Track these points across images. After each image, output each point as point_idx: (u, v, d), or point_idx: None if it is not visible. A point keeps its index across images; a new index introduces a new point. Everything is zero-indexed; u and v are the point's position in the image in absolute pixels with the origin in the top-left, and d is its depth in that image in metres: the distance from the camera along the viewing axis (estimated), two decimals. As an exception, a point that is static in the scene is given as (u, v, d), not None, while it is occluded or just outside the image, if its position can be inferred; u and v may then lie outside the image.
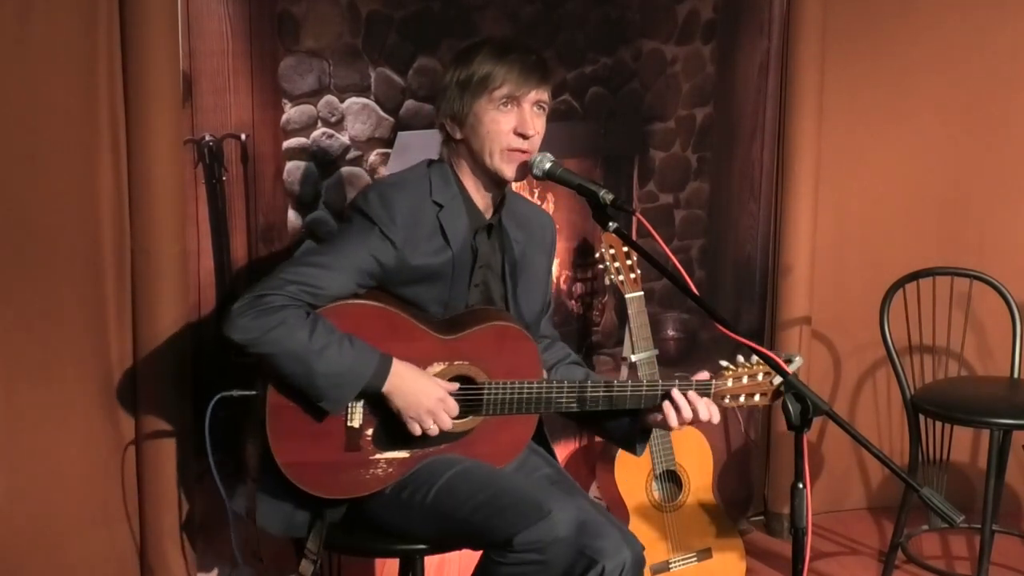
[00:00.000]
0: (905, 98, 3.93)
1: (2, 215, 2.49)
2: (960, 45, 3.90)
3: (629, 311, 3.22)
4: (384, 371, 2.30)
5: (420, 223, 2.39)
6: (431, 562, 2.80)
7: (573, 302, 3.53)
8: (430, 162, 2.51)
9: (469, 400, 2.39)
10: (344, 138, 2.98)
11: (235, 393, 2.37)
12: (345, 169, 2.99)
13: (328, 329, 2.27)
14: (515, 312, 2.53)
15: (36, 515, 2.62)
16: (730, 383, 2.45)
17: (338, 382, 2.27)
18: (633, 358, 3.23)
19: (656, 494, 3.34)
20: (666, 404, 2.40)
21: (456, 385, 2.38)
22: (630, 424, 2.50)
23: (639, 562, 2.42)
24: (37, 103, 2.54)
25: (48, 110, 2.56)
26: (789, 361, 2.25)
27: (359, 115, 3.00)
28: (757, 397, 2.46)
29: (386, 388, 2.31)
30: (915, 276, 3.59)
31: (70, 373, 2.66)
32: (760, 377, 2.45)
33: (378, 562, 3.17)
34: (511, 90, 2.39)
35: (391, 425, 2.36)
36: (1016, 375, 3.55)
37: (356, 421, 2.35)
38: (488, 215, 2.50)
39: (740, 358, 2.44)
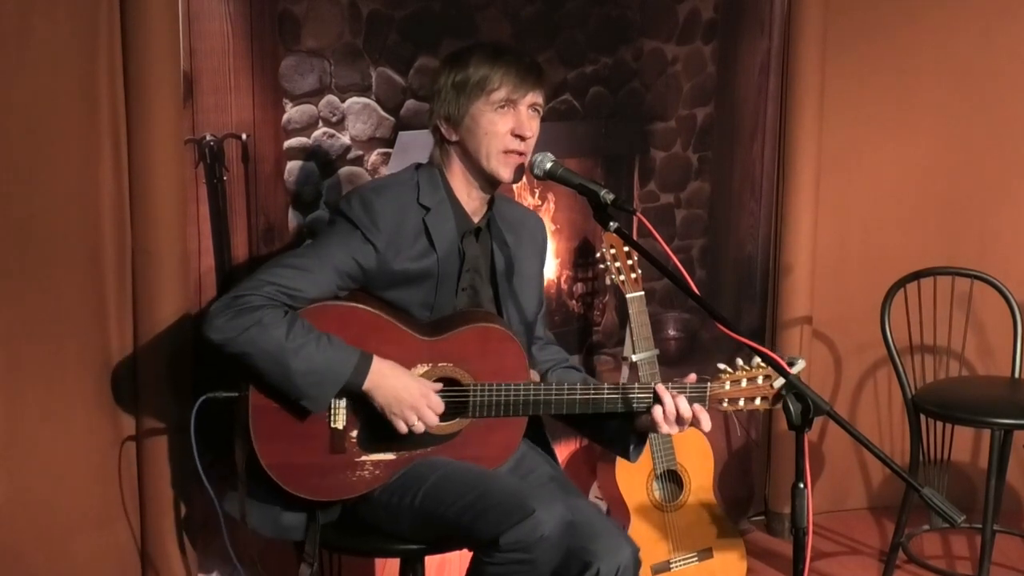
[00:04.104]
0: (906, 98, 3.94)
1: (3, 215, 2.49)
2: (961, 45, 3.90)
3: (630, 311, 3.22)
4: (364, 368, 2.30)
5: (404, 227, 2.39)
6: (431, 562, 2.80)
7: (574, 302, 3.53)
8: (418, 166, 2.51)
9: (455, 402, 2.39)
10: (345, 138, 2.98)
11: (219, 395, 2.37)
12: (346, 169, 2.99)
13: (306, 328, 2.28)
14: (509, 315, 2.53)
15: (37, 514, 2.62)
16: (728, 386, 2.40)
17: (317, 380, 2.28)
18: (634, 358, 3.23)
19: (657, 494, 3.34)
20: (655, 406, 2.37)
21: (439, 385, 2.37)
22: (624, 428, 2.48)
23: (635, 564, 2.41)
24: (38, 103, 2.54)
25: (49, 110, 2.56)
26: (791, 364, 2.21)
27: (360, 115, 3.00)
28: (758, 401, 2.41)
29: (367, 385, 2.31)
30: (916, 276, 3.59)
31: (71, 372, 2.66)
32: (760, 380, 2.40)
33: (378, 562, 3.17)
34: (508, 93, 2.40)
35: (376, 426, 2.36)
36: (1017, 375, 3.54)
37: (340, 422, 2.35)
38: (476, 219, 2.50)
39: (739, 361, 2.40)
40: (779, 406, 2.34)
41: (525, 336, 2.58)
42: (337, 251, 2.36)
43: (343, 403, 2.35)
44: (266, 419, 2.32)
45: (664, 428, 2.37)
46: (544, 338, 2.71)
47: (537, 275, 2.64)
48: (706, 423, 2.38)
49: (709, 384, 2.40)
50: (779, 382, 2.37)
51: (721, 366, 2.42)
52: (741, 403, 2.41)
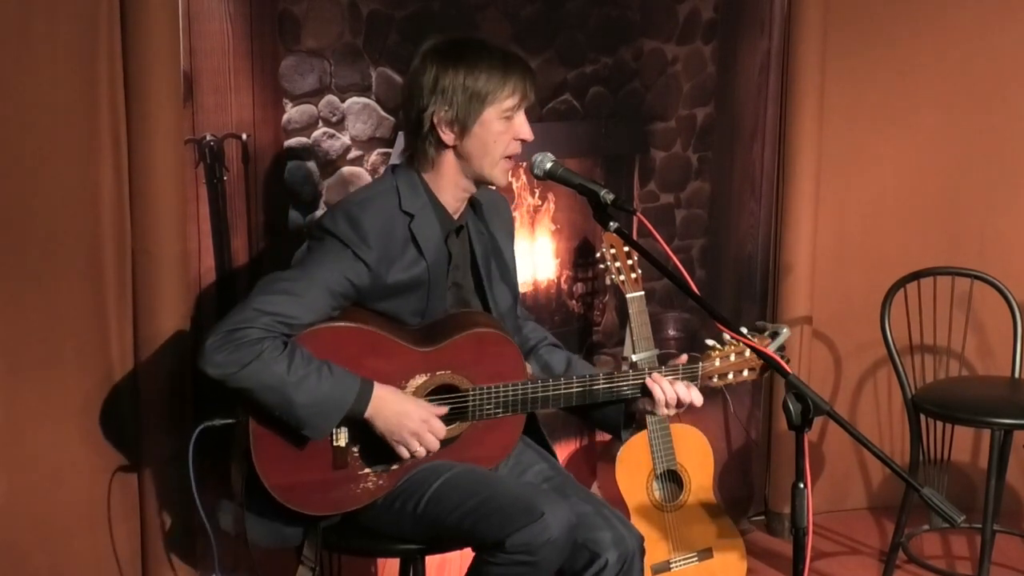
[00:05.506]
0: (906, 98, 3.93)
1: (3, 215, 2.49)
2: (961, 46, 3.90)
3: (630, 311, 3.22)
4: (366, 396, 2.29)
5: (392, 238, 2.37)
6: (431, 562, 2.80)
7: (574, 302, 3.52)
8: (394, 168, 2.48)
9: (455, 408, 2.39)
10: (345, 138, 2.98)
11: (217, 422, 2.36)
12: (346, 169, 2.99)
13: (306, 359, 2.25)
14: (496, 301, 2.53)
15: (37, 515, 2.62)
16: (717, 363, 2.48)
17: (319, 411, 2.26)
18: (634, 358, 3.23)
19: (657, 494, 3.34)
20: (655, 390, 2.43)
21: (444, 409, 2.36)
22: (616, 412, 2.53)
23: (640, 552, 2.44)
24: (38, 103, 2.54)
25: (49, 110, 2.56)
26: (776, 334, 2.33)
27: (360, 115, 3.00)
28: (745, 372, 2.50)
29: (368, 413, 2.30)
30: (916, 276, 3.59)
31: (71, 373, 2.66)
32: (747, 353, 2.47)
33: (379, 561, 3.17)
34: (517, 101, 2.39)
35: (378, 441, 2.35)
36: (1017, 375, 3.54)
37: (342, 440, 2.35)
38: (457, 216, 2.49)
39: (726, 336, 2.45)
40: (767, 375, 2.51)
41: (512, 318, 2.59)
42: (329, 273, 2.31)
43: (344, 424, 2.35)
44: (268, 442, 2.31)
45: (662, 411, 2.45)
46: (521, 315, 2.72)
47: (512, 253, 2.64)
48: (697, 399, 2.45)
49: (700, 364, 2.47)
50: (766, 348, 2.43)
51: (710, 342, 2.49)
52: (731, 376, 2.50)
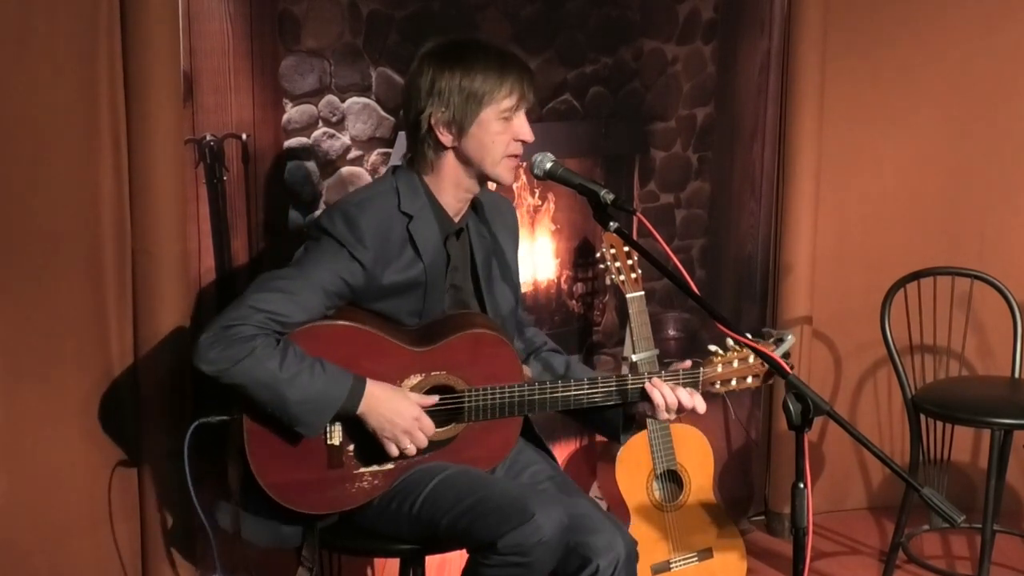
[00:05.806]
0: (906, 98, 3.94)
1: (3, 215, 2.49)
2: (962, 46, 3.90)
3: (630, 311, 3.22)
4: (358, 393, 2.29)
5: (389, 239, 2.37)
6: (431, 562, 2.80)
7: (574, 302, 3.52)
8: (395, 169, 2.48)
9: (449, 409, 2.39)
10: (345, 138, 2.98)
11: (213, 419, 2.36)
12: (346, 169, 2.99)
13: (299, 356, 2.26)
14: (495, 305, 2.53)
15: (37, 516, 2.62)
16: (719, 368, 2.46)
17: (312, 408, 2.27)
18: (634, 358, 3.23)
19: (657, 494, 3.34)
20: (655, 395, 2.41)
21: (435, 399, 2.36)
22: (615, 416, 2.51)
23: (632, 557, 2.44)
24: (38, 103, 2.54)
25: (49, 110, 2.56)
26: (780, 340, 2.30)
27: (360, 115, 3.00)
28: (749, 379, 2.47)
29: (361, 410, 2.30)
30: (916, 276, 3.59)
31: (71, 373, 2.66)
32: (751, 359, 2.45)
33: (378, 562, 3.17)
34: (516, 101, 2.38)
35: (372, 439, 2.35)
36: (1017, 375, 3.54)
37: (336, 439, 2.35)
38: (458, 219, 2.48)
39: (729, 342, 2.43)
40: (770, 382, 2.48)
41: (512, 323, 2.59)
42: (324, 272, 2.32)
43: (337, 422, 2.35)
44: (262, 440, 2.31)
45: (662, 416, 2.43)
46: (523, 320, 2.72)
47: (514, 257, 2.63)
48: (700, 406, 2.44)
49: (702, 369, 2.45)
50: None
51: (712, 348, 2.46)
52: (733, 383, 2.47)
